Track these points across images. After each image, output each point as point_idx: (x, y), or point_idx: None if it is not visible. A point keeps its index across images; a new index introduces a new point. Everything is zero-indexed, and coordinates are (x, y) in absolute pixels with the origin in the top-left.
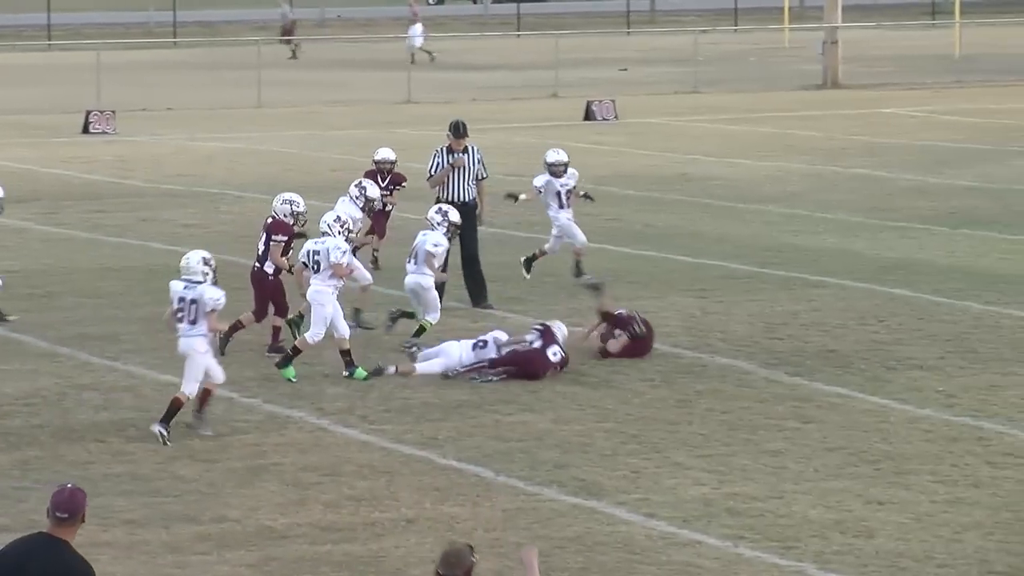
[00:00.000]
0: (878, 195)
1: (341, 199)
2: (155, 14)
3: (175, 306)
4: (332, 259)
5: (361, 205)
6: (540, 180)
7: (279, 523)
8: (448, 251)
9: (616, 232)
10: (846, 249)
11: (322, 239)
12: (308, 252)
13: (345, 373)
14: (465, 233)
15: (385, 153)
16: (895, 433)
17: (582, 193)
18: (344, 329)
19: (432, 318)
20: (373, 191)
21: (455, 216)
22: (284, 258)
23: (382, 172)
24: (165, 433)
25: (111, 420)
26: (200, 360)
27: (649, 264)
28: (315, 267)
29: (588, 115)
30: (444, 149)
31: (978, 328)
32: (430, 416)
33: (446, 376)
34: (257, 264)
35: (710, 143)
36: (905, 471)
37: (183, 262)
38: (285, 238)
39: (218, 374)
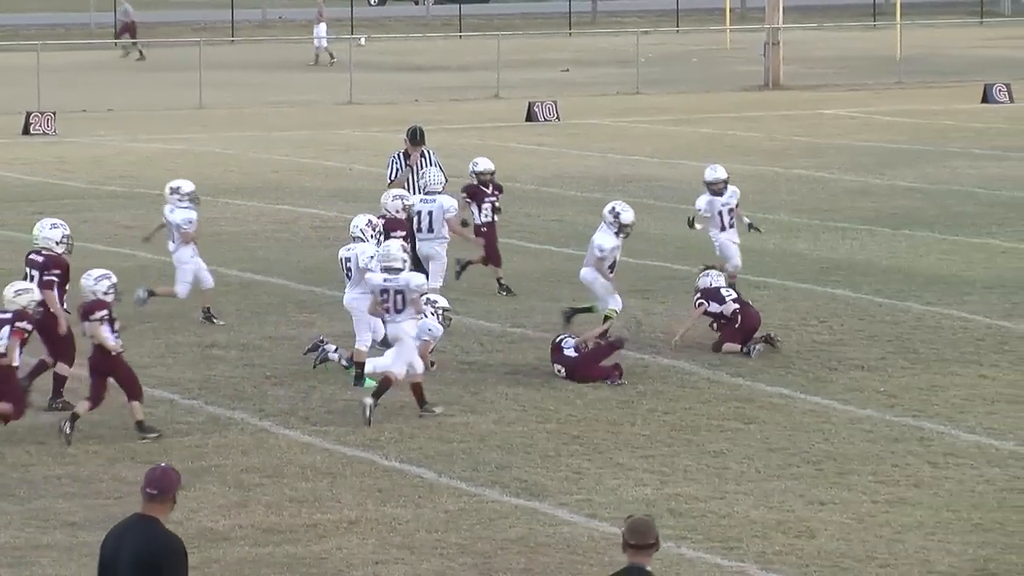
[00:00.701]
0: (820, 196)
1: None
2: (96, 15)
3: (379, 297)
4: (360, 264)
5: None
6: (702, 201)
7: (221, 525)
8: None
9: (558, 233)
10: (788, 250)
11: (352, 245)
12: (341, 260)
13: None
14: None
15: (485, 164)
16: (837, 433)
17: (747, 221)
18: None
19: (615, 304)
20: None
21: (626, 217)
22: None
23: (484, 184)
24: (372, 404)
25: (52, 422)
26: (411, 344)
27: None
28: (347, 274)
29: (530, 116)
30: (400, 154)
31: (919, 328)
32: (372, 417)
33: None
34: None
35: (652, 144)
36: (847, 471)
37: (382, 250)
38: (403, 235)
39: (420, 366)
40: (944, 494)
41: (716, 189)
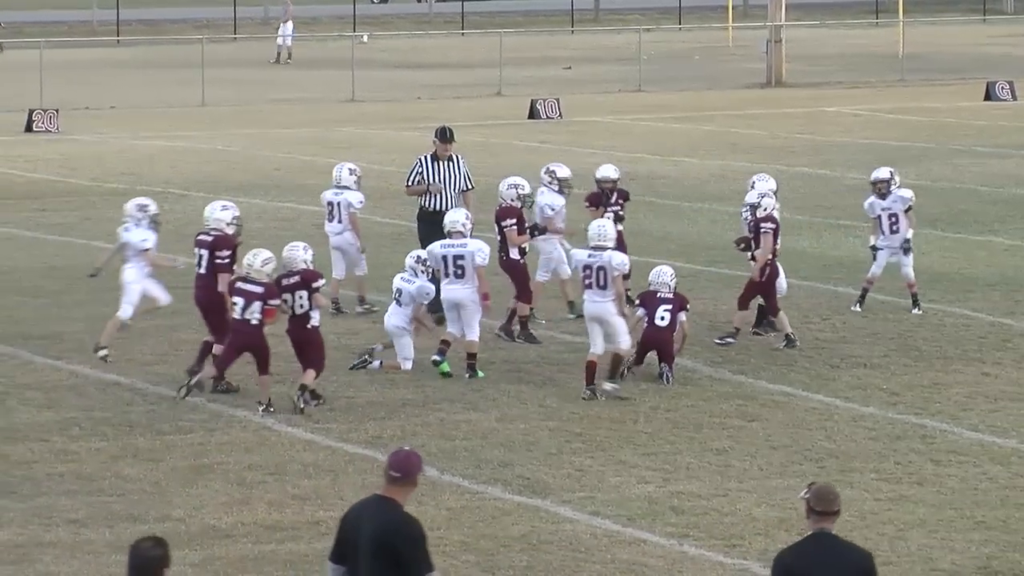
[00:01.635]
0: (822, 194)
1: (540, 190)
2: (99, 12)
3: (581, 273)
4: (478, 261)
5: (557, 189)
6: (866, 202)
7: (223, 522)
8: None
9: None
10: (790, 247)
11: (450, 241)
12: (445, 257)
13: (467, 375)
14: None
15: (606, 171)
16: (839, 431)
17: (907, 238)
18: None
19: None
20: (563, 171)
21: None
22: (521, 237)
23: (605, 192)
24: (613, 388)
25: (54, 420)
26: (617, 321)
27: None
28: (457, 271)
29: (533, 114)
30: (428, 157)
31: (921, 326)
32: (375, 415)
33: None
34: (503, 254)
35: (654, 141)
36: (849, 469)
37: (597, 228)
38: (514, 221)
39: (626, 341)
40: (947, 492)
41: (878, 189)
